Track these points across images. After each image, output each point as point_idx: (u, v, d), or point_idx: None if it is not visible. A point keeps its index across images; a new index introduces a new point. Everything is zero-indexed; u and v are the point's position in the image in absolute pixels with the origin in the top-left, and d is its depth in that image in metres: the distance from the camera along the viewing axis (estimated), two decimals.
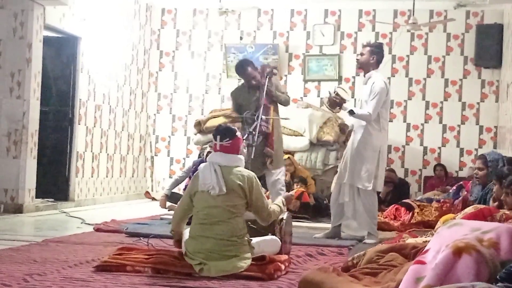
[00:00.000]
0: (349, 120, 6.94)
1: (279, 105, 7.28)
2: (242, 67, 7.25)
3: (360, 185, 6.75)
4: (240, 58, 11.94)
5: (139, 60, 12.20)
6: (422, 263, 3.19)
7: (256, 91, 7.13)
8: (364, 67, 6.90)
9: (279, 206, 4.88)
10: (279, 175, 7.26)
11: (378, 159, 6.78)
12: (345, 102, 6.79)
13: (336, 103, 6.81)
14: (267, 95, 7.01)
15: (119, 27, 11.29)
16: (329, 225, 7.19)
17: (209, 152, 7.20)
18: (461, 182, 9.09)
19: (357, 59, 7.05)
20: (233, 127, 4.86)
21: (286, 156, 8.86)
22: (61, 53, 9.93)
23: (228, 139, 4.69)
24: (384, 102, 6.73)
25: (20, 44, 8.78)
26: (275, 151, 7.16)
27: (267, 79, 7.01)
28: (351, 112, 6.69)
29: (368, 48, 6.86)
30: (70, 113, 9.93)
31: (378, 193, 7.73)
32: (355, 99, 11.02)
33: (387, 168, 10.94)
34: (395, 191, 10.24)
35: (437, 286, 2.94)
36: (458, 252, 3.03)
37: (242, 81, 7.52)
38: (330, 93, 6.86)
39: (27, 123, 8.74)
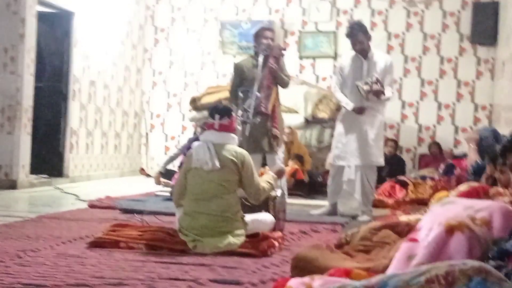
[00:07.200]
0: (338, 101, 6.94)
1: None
2: (263, 28, 7.29)
3: (377, 163, 6.83)
4: (236, 34, 11.95)
5: (134, 36, 12.12)
6: (415, 240, 3.20)
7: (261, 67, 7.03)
8: (367, 51, 6.78)
9: (270, 183, 4.87)
10: (279, 151, 7.25)
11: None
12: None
13: (380, 91, 6.60)
14: (272, 75, 6.94)
15: (113, 2, 11.20)
16: (323, 202, 7.20)
17: (202, 129, 7.15)
18: (450, 161, 9.10)
19: (361, 49, 6.75)
20: (229, 105, 4.87)
21: (287, 128, 8.95)
22: (55, 28, 9.86)
23: (227, 117, 4.71)
24: None
25: (14, 19, 8.71)
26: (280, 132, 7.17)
27: (273, 58, 6.95)
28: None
29: (361, 34, 6.70)
30: (64, 89, 9.88)
31: None
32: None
33: (391, 138, 11.09)
34: (391, 167, 10.27)
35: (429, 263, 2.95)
36: (450, 230, 3.04)
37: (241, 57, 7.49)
38: (368, 84, 6.59)
39: (21, 98, 8.70)
